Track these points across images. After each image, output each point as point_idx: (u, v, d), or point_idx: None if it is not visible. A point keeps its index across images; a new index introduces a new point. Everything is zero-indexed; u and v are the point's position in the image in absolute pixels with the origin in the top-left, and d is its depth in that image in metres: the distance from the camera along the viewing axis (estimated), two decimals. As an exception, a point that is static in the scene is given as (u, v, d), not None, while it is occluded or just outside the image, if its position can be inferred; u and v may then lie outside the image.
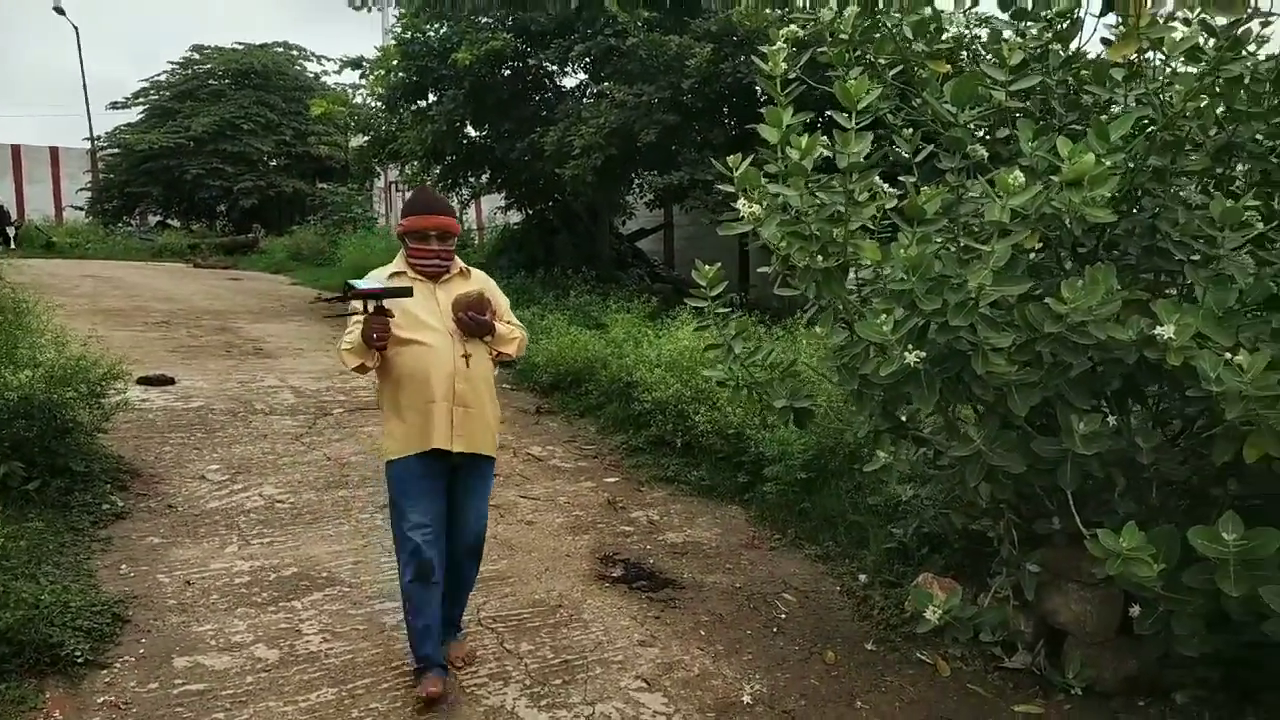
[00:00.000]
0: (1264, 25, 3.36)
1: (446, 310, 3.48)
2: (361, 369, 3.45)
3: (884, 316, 3.24)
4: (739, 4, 8.43)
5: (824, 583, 4.74)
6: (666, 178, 11.01)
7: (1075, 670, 3.61)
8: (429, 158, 13.59)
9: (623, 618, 4.27)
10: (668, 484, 6.30)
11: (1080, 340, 3.02)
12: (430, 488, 3.48)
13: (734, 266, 12.90)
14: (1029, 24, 3.81)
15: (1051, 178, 3.05)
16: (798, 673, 3.82)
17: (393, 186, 23.45)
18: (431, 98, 13.14)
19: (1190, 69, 3.40)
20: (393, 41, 13.19)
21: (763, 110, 3.61)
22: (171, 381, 8.32)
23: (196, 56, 29.74)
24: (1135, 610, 3.29)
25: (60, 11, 27.10)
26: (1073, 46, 3.80)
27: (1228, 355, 2.78)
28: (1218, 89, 3.38)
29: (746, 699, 3.60)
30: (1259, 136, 3.49)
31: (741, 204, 3.52)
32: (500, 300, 3.70)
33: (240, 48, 29.81)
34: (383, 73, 13.24)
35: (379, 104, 14.13)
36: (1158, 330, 2.88)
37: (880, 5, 3.74)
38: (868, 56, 3.82)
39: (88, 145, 29.39)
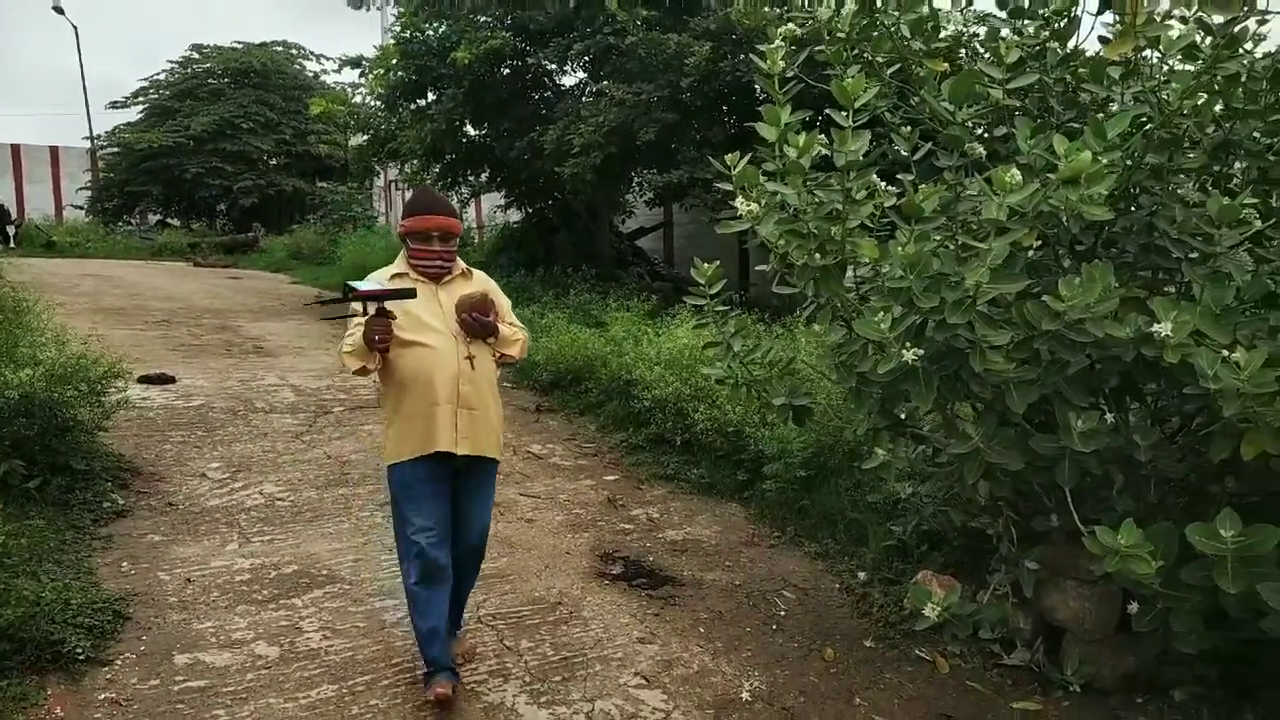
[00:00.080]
0: (1260, 23, 3.38)
1: (449, 312, 3.44)
2: (363, 371, 3.40)
3: (882, 314, 3.25)
4: (737, 2, 8.44)
5: (823, 580, 4.75)
6: (666, 176, 11.02)
7: (1074, 667, 3.62)
8: (428, 156, 13.61)
9: (622, 615, 4.28)
10: (667, 482, 6.31)
11: (1078, 338, 3.02)
12: (434, 491, 3.42)
13: (734, 265, 12.91)
14: (1026, 22, 3.82)
15: (1049, 175, 3.05)
16: (797, 670, 3.83)
17: (392, 185, 23.46)
18: (431, 96, 13.17)
19: (1187, 67, 3.40)
20: (392, 40, 13.21)
21: (761, 108, 3.62)
22: (172, 380, 8.33)
23: (196, 56, 29.79)
24: (1134, 607, 3.30)
25: (59, 10, 27.11)
26: (1070, 44, 3.81)
27: (1225, 353, 2.79)
28: (1215, 87, 3.39)
29: (745, 696, 3.61)
30: (1256, 134, 3.50)
31: (739, 202, 3.53)
32: (502, 301, 3.65)
33: (239, 47, 29.87)
34: (382, 72, 13.26)
35: (378, 103, 14.15)
36: (1155, 328, 2.89)
37: (878, 4, 3.75)
38: (866, 55, 3.82)
39: (87, 144, 29.42)
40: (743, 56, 9.56)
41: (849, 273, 3.68)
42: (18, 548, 4.20)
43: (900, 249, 3.16)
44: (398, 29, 12.87)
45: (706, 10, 10.71)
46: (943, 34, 4.03)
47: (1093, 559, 3.06)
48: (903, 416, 3.94)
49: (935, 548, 4.50)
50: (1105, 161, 2.95)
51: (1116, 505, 3.43)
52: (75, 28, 35.34)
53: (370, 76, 13.84)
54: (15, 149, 30.14)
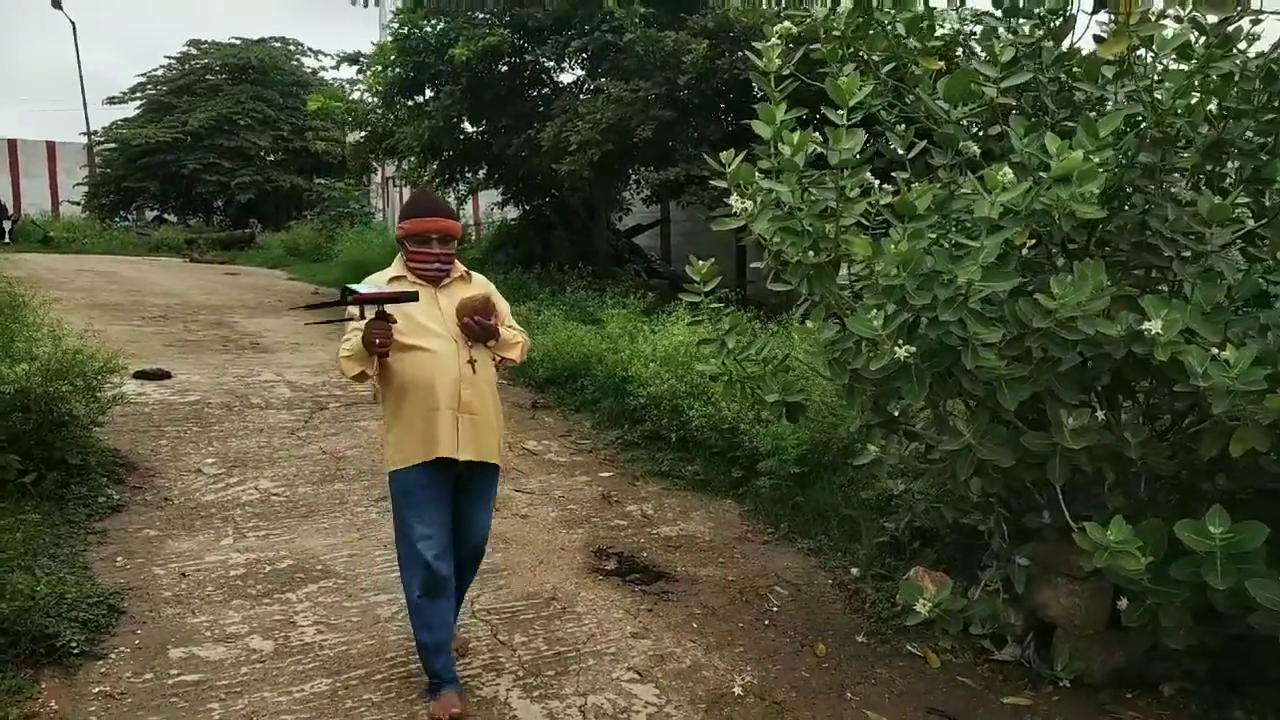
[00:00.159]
0: (1254, 23, 3.39)
1: (449, 315, 3.36)
2: (361, 377, 3.31)
3: (875, 311, 3.26)
4: (734, 0, 8.45)
5: (816, 576, 4.76)
6: (663, 173, 11.03)
7: (1064, 662, 3.64)
8: (426, 153, 13.61)
9: (616, 610, 4.30)
10: (662, 478, 6.32)
11: (1069, 335, 3.04)
12: (436, 496, 3.35)
13: (730, 262, 12.92)
14: (1021, 21, 3.83)
15: (1042, 174, 3.07)
16: (789, 665, 3.85)
17: (390, 182, 23.45)
18: (429, 93, 13.16)
19: (1181, 66, 3.42)
20: (390, 37, 13.19)
21: (758, 106, 3.63)
22: (168, 376, 8.34)
23: (194, 52, 29.74)
24: (1123, 603, 3.32)
25: (57, 5, 27.07)
26: (1065, 44, 3.82)
27: (1215, 351, 2.81)
28: (1210, 86, 3.41)
29: (738, 690, 3.63)
30: (1249, 134, 3.51)
31: (734, 199, 3.54)
32: (501, 305, 3.57)
33: (238, 43, 29.84)
34: (380, 68, 13.26)
35: (376, 99, 14.13)
36: (1146, 325, 2.91)
37: (874, 2, 3.76)
38: (861, 53, 3.83)
39: (84, 140, 29.38)
40: (740, 54, 9.57)
41: (843, 270, 3.69)
42: (12, 542, 4.22)
43: (893, 247, 3.18)
44: (396, 25, 12.86)
45: (704, 8, 10.71)
46: (938, 33, 4.04)
47: (1083, 555, 3.08)
48: (895, 413, 3.96)
49: (928, 544, 4.52)
50: (1097, 160, 2.97)
51: (1107, 502, 3.46)
52: (73, 23, 35.34)
53: (368, 73, 13.84)
54: (12, 144, 30.06)
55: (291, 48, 30.73)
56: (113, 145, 28.56)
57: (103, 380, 5.68)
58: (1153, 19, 3.42)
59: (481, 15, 12.08)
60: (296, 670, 3.63)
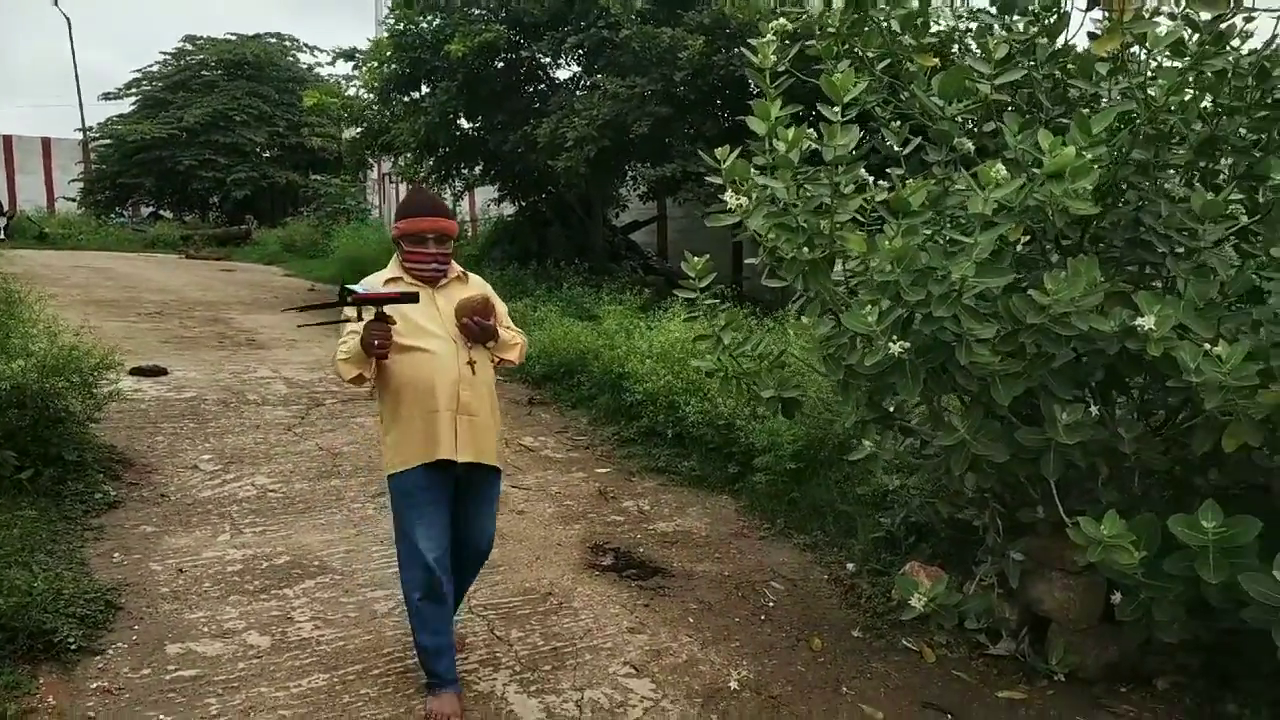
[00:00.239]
0: (1247, 20, 3.40)
1: (448, 316, 3.32)
2: (359, 380, 3.25)
3: (869, 307, 3.27)
4: (731, -4, 8.44)
5: (812, 571, 4.78)
6: (659, 170, 11.03)
7: (1058, 657, 3.66)
8: (422, 150, 13.58)
9: (612, 605, 4.31)
10: (658, 474, 6.34)
11: (1063, 331, 3.05)
12: (436, 498, 3.32)
13: (727, 258, 12.93)
14: (1016, 18, 3.84)
15: (1035, 170, 3.08)
16: (785, 659, 3.87)
17: (386, 178, 23.41)
18: (424, 89, 13.14)
19: (1175, 63, 3.43)
20: (385, 33, 13.17)
21: (753, 102, 3.64)
22: (164, 372, 8.34)
23: (189, 47, 29.65)
24: (1117, 598, 3.34)
25: (54, 1, 27.00)
26: (1059, 41, 3.83)
27: (1207, 346, 2.82)
28: (1204, 83, 3.42)
29: (733, 685, 3.65)
30: (1242, 130, 3.53)
31: (729, 196, 3.55)
32: (499, 305, 3.52)
33: (233, 39, 29.74)
34: (375, 64, 13.23)
35: (372, 95, 14.11)
36: (1139, 321, 2.91)
37: (869, -1, 3.77)
38: (856, 50, 3.84)
39: (80, 136, 29.31)
40: (736, 50, 9.56)
41: (838, 266, 3.70)
42: (9, 538, 4.22)
43: (888, 243, 3.19)
44: (391, 21, 12.85)
45: (700, 4, 10.71)
46: (933, 29, 4.05)
47: (1077, 550, 3.10)
48: (890, 409, 3.97)
49: (923, 539, 4.54)
50: (1090, 156, 2.98)
51: (1101, 497, 3.47)
52: (68, 19, 35.20)
53: (364, 69, 13.81)
54: (7, 140, 29.98)
55: (287, 43, 30.65)
56: (108, 141, 28.50)
57: (99, 376, 5.68)
58: (1146, 16, 3.44)
59: (477, 11, 12.06)
60: (294, 666, 3.64)
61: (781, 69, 3.65)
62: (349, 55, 14.46)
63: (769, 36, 3.61)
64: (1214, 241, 3.37)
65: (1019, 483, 3.70)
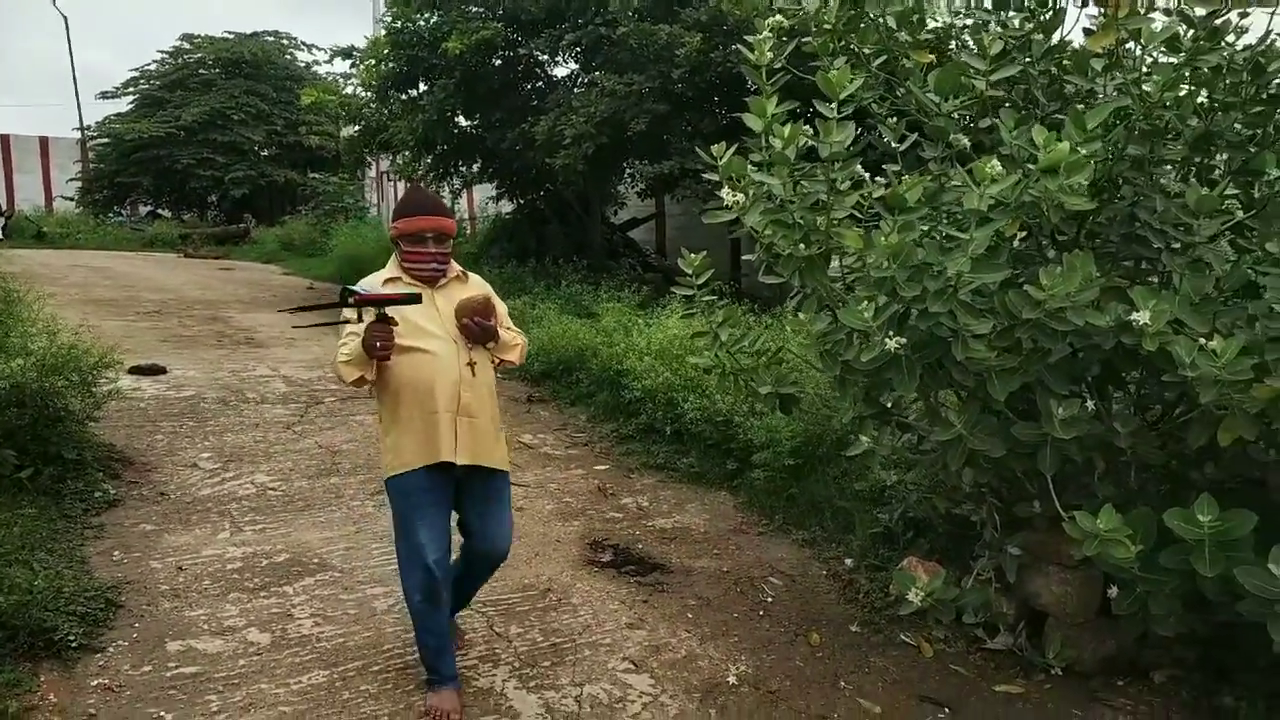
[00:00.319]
0: (1242, 16, 3.42)
1: (448, 316, 3.29)
2: (360, 382, 3.21)
3: (866, 303, 3.28)
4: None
5: (810, 567, 4.80)
6: (657, 167, 11.04)
7: (1055, 650, 3.68)
8: (420, 147, 13.58)
9: (611, 601, 4.33)
10: (657, 471, 6.35)
11: (1059, 326, 3.06)
12: (436, 500, 3.29)
13: (725, 255, 12.93)
14: (1012, 14, 3.85)
15: (1030, 166, 3.09)
16: (783, 654, 3.88)
17: (384, 176, 23.41)
18: (422, 87, 13.15)
19: (1170, 59, 3.44)
20: (383, 31, 13.18)
21: (750, 99, 3.65)
22: (163, 371, 8.35)
23: (186, 46, 29.63)
24: (1114, 591, 3.35)
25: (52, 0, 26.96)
26: (1055, 37, 3.84)
27: (1202, 341, 2.83)
28: (1200, 78, 3.43)
29: (732, 680, 3.66)
30: (1238, 126, 3.54)
31: (725, 192, 3.56)
32: (499, 306, 3.49)
33: (230, 37, 29.72)
34: (373, 62, 13.23)
35: (369, 94, 14.11)
36: (1134, 316, 2.92)
37: (865, -5, 3.78)
38: (853, 46, 3.85)
39: (77, 135, 29.28)
40: (734, 47, 9.55)
41: (834, 262, 3.71)
42: (9, 536, 4.23)
43: (884, 239, 3.19)
44: (388, 19, 12.85)
45: (698, 1, 10.71)
46: (929, 26, 4.06)
47: (1074, 544, 3.11)
48: (888, 405, 3.98)
49: (921, 534, 4.56)
50: (1084, 152, 2.99)
51: (1098, 491, 3.48)
52: (65, 18, 35.22)
53: (361, 67, 13.80)
54: (4, 139, 29.95)
55: (285, 42, 30.64)
56: (106, 140, 28.48)
57: (98, 375, 5.69)
58: (1141, 12, 3.45)
59: (475, 9, 12.07)
60: (294, 662, 3.65)
61: (778, 66, 3.65)
62: (347, 53, 14.46)
63: (765, 33, 3.62)
64: (1209, 237, 3.38)
65: (1016, 478, 3.71)
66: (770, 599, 4.43)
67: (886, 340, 3.24)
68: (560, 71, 13.24)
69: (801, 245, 3.59)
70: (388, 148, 14.49)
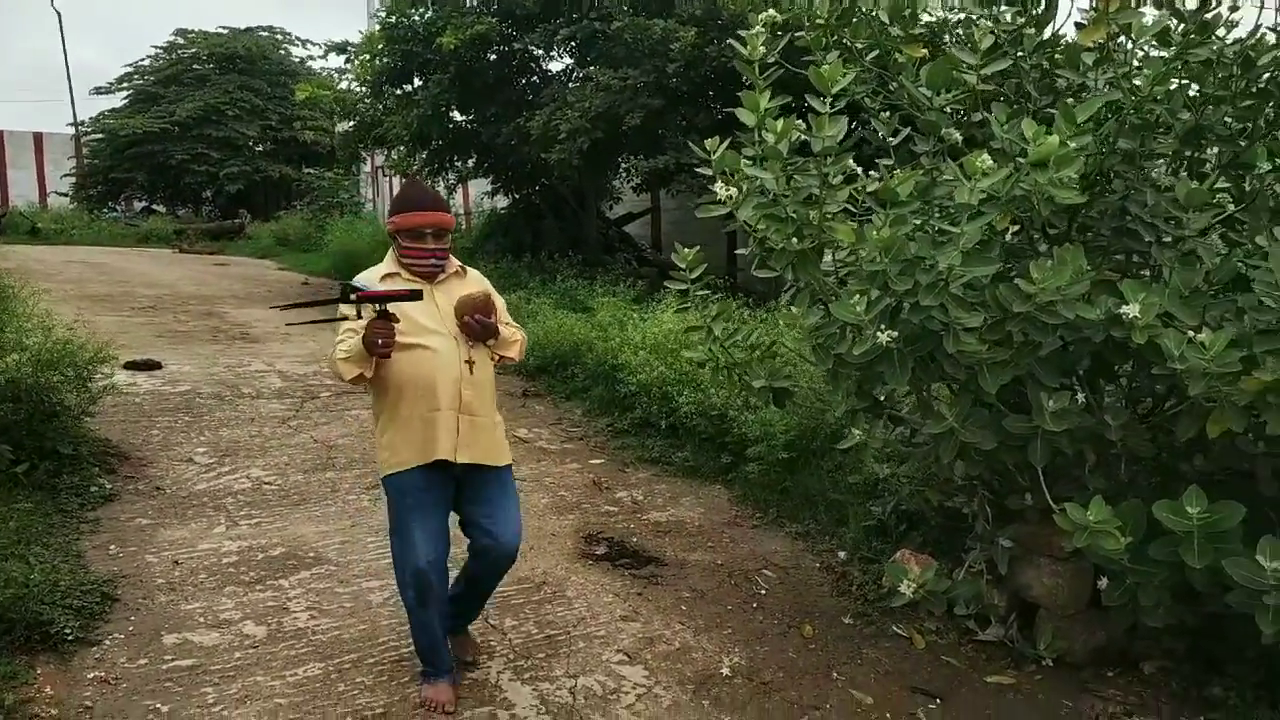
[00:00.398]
0: (1232, 9, 3.43)
1: (447, 312, 3.25)
2: (359, 380, 3.17)
3: (858, 297, 3.30)
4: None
5: (804, 559, 4.82)
6: (652, 162, 11.03)
7: (1046, 642, 3.70)
8: (415, 142, 13.56)
9: (606, 594, 4.35)
10: (652, 465, 6.37)
11: (1049, 319, 3.07)
12: (435, 499, 3.25)
13: (721, 250, 12.94)
14: (1004, 8, 3.86)
15: (1020, 160, 3.11)
16: (776, 646, 3.90)
17: (379, 171, 23.37)
18: (417, 82, 13.12)
19: (1161, 53, 3.46)
20: (377, 26, 13.15)
21: (743, 94, 3.66)
22: (158, 366, 8.35)
23: (180, 41, 29.55)
24: (1104, 583, 3.37)
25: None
26: (1047, 31, 3.86)
27: (1191, 334, 2.85)
28: (1190, 72, 3.45)
29: (725, 671, 3.68)
30: (1228, 119, 3.56)
31: (719, 187, 3.57)
32: (499, 301, 3.45)
33: (224, 32, 29.64)
34: (368, 57, 13.20)
35: (364, 89, 14.08)
36: (1123, 309, 2.94)
37: (858, -11, 3.79)
38: (845, 41, 3.86)
39: (72, 131, 29.19)
40: (728, 42, 9.54)
41: (827, 256, 3.73)
42: (6, 531, 4.25)
43: (876, 233, 3.21)
44: (383, 14, 12.82)
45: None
46: (922, 20, 4.07)
47: (1064, 536, 3.13)
48: (880, 398, 4.00)
49: (913, 527, 4.58)
50: (1074, 146, 3.00)
51: (1088, 483, 3.50)
52: (59, 13, 35.11)
53: (356, 62, 13.78)
54: (-2, 135, 29.91)
55: (279, 37, 30.56)
56: (100, 136, 28.40)
57: (93, 371, 5.70)
58: (1132, 6, 3.47)
59: (469, 3, 12.05)
60: (289, 655, 3.67)
61: (771, 60, 3.67)
62: (341, 48, 14.42)
63: (758, 28, 3.63)
64: (1200, 230, 3.40)
65: (1007, 470, 3.74)
66: (764, 591, 4.45)
67: (879, 334, 3.26)
68: (555, 66, 13.23)
69: (794, 239, 3.61)
70: (383, 143, 14.48)
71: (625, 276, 11.62)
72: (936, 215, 3.53)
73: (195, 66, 28.91)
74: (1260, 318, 2.89)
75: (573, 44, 11.82)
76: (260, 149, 28.62)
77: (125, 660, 3.57)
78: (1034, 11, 3.81)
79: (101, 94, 29.67)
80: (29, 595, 3.69)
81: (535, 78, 13.10)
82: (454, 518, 3.39)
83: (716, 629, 4.04)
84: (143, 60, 29.65)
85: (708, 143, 3.66)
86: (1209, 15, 3.35)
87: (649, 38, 10.33)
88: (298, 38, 30.90)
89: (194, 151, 27.03)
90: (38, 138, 30.50)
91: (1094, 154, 3.43)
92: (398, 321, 3.09)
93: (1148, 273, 3.65)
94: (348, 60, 14.32)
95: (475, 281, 3.46)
